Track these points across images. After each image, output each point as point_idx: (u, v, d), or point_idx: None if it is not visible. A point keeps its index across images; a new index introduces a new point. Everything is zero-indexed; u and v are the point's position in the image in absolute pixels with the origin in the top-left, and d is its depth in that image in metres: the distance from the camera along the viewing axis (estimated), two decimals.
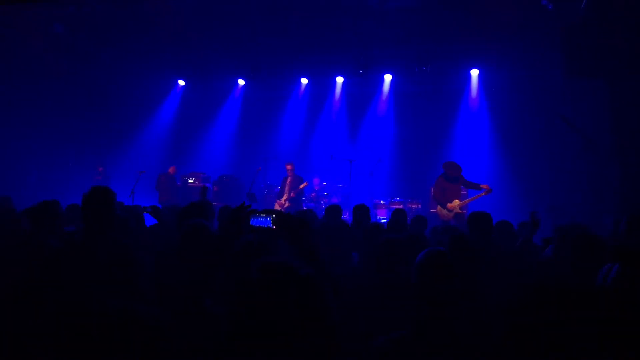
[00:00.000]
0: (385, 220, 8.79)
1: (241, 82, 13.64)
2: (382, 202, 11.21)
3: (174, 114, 14.31)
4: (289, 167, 10.49)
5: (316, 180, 11.75)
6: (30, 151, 11.68)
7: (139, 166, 11.67)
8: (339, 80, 13.13)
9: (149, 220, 4.84)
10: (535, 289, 1.20)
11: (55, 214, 3.37)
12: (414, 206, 10.96)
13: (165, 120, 14.29)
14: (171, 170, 12.27)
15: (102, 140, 13.13)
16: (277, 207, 10.15)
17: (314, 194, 11.56)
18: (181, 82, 13.92)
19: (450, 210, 8.76)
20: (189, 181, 12.36)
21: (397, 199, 11.15)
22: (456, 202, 8.77)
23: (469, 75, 12.03)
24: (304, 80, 13.41)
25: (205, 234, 3.10)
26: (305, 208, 10.21)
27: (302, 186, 10.16)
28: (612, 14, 7.97)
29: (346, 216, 10.11)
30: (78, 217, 4.31)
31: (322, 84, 13.30)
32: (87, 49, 11.37)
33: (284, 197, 10.29)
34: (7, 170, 10.65)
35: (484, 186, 8.54)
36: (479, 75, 11.95)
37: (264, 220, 2.29)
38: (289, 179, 10.45)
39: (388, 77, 12.65)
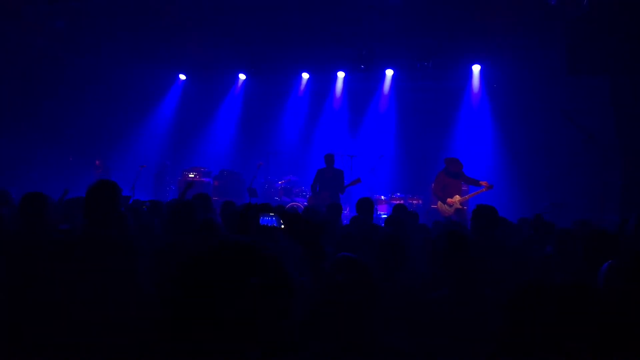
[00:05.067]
0: (385, 216, 8.79)
1: (242, 76, 13.61)
2: (382, 197, 11.20)
3: (174, 109, 14.28)
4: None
5: None
6: (31, 146, 11.66)
7: (140, 160, 11.65)
8: (340, 75, 13.06)
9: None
10: (535, 287, 1.19)
11: (43, 207, 3.29)
12: (415, 202, 10.96)
13: (166, 114, 14.26)
14: (141, 167, 11.91)
15: (103, 134, 13.11)
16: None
17: None
18: (182, 77, 13.88)
19: (450, 206, 8.75)
20: (190, 175, 12.34)
21: (398, 194, 11.14)
22: (457, 197, 8.76)
23: (471, 71, 11.98)
24: (305, 75, 13.36)
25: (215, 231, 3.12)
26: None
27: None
28: (615, 10, 7.93)
29: (347, 211, 10.12)
30: (76, 212, 4.30)
31: (323, 79, 13.23)
32: (87, 43, 11.33)
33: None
34: (9, 165, 10.64)
35: (483, 183, 8.53)
36: (481, 71, 11.91)
37: (272, 220, 2.27)
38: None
39: (389, 72, 12.59)
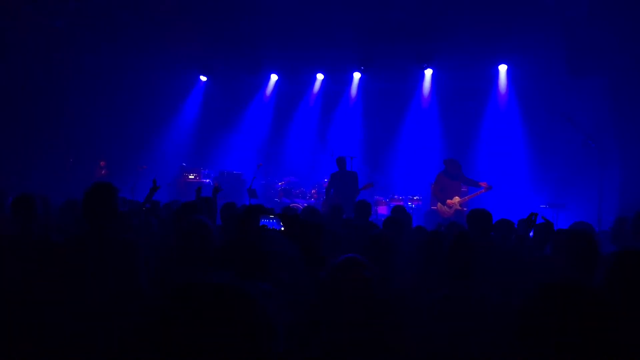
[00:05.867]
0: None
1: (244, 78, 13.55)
2: (381, 199, 11.19)
3: (174, 109, 14.25)
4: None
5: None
6: (31, 147, 11.65)
7: (141, 161, 11.64)
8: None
9: None
10: (551, 288, 1.19)
11: (32, 209, 3.29)
12: (414, 203, 10.94)
13: (166, 115, 14.23)
14: (140, 168, 11.77)
15: (104, 135, 13.08)
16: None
17: (314, 191, 11.56)
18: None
19: (450, 207, 8.75)
20: (190, 177, 12.33)
21: (397, 196, 11.13)
22: (456, 198, 8.77)
23: (471, 72, 11.93)
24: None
25: (205, 231, 3.09)
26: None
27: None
28: (615, 11, 7.93)
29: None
30: (74, 214, 4.31)
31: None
32: (87, 43, 11.32)
33: None
34: (10, 166, 10.63)
35: (482, 184, 8.54)
36: (480, 71, 11.86)
37: (273, 222, 2.28)
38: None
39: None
